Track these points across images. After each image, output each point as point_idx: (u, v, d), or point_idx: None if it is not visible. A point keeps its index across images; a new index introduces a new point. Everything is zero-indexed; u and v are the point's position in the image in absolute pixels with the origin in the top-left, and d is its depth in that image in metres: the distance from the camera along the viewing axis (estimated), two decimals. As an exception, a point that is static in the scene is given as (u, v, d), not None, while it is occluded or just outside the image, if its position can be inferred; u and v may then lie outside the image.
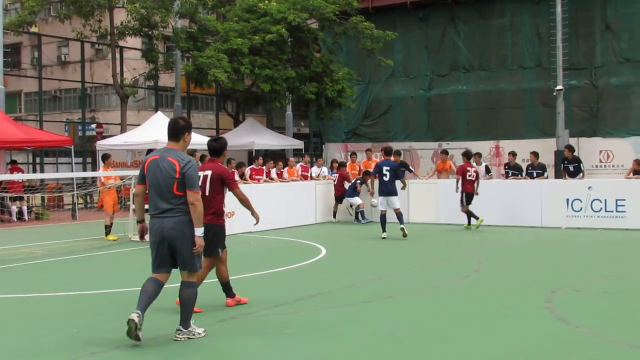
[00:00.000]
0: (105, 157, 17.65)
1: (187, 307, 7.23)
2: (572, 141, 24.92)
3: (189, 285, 7.24)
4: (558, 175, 21.81)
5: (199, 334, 7.29)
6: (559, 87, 25.71)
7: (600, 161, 27.23)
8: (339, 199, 20.62)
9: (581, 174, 18.93)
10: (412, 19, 31.67)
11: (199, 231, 7.02)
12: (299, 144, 29.70)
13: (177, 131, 7.35)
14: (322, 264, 12.71)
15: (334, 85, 27.35)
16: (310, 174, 21.90)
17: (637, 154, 22.32)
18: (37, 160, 29.02)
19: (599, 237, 16.00)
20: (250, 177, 19.63)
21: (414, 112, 31.67)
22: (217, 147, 9.15)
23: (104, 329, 7.77)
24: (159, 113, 25.59)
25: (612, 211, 17.39)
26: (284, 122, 33.32)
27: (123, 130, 27.61)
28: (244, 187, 18.27)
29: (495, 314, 8.24)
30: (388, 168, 15.99)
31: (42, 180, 25.52)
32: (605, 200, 17.49)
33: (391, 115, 32.43)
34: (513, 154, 20.21)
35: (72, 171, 24.43)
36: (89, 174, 24.02)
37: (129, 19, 27.06)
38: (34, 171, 28.72)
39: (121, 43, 29.22)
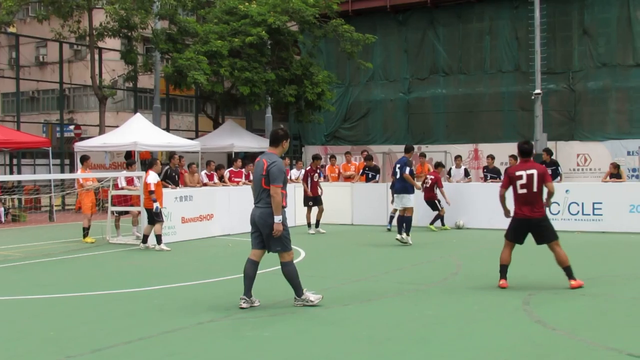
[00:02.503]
0: (84, 159, 17.54)
1: (292, 281, 8.76)
2: (550, 145, 25.12)
3: (285, 265, 8.76)
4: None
5: (311, 301, 8.73)
6: (537, 91, 25.90)
7: (578, 165, 27.49)
8: (314, 201, 18.93)
9: (559, 177, 19.04)
10: (391, 22, 31.80)
11: (277, 218, 8.44)
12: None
13: (277, 139, 8.82)
14: (300, 266, 12.57)
15: (314, 88, 27.36)
16: (290, 176, 21.85)
17: (613, 158, 22.55)
18: (15, 161, 28.78)
19: (576, 240, 16.10)
20: (230, 179, 19.58)
21: (394, 115, 31.78)
22: (529, 149, 10.69)
23: (82, 332, 7.73)
24: (138, 115, 25.46)
25: (589, 214, 17.54)
26: (264, 125, 33.29)
27: (101, 132, 27.45)
28: (222, 190, 18.37)
29: (473, 316, 8.28)
30: (399, 165, 15.85)
31: (19, 182, 25.31)
32: (583, 204, 17.64)
33: (370, 118, 32.52)
34: (492, 157, 20.34)
35: (50, 173, 24.24)
36: (67, 175, 23.84)
37: (108, 20, 26.91)
38: (11, 173, 28.49)
39: (100, 44, 29.04)
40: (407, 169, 15.48)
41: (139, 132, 23.23)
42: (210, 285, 10.79)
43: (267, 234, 8.61)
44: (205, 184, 18.73)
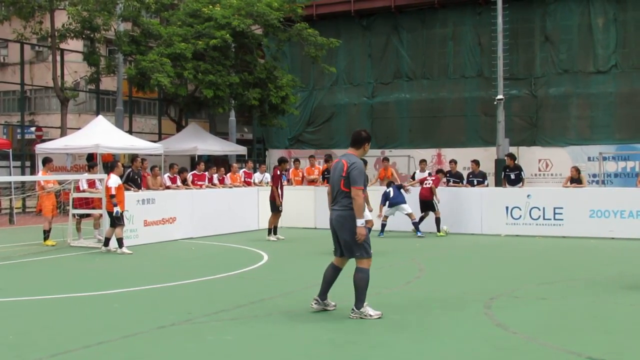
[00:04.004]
0: (46, 161, 17.28)
1: (359, 290, 8.33)
2: (512, 150, 25.37)
3: (361, 271, 8.36)
4: (498, 183, 22.14)
5: (370, 315, 8.27)
6: (500, 96, 26.15)
7: (539, 170, 27.80)
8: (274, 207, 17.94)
9: (521, 182, 19.23)
10: (356, 27, 31.88)
11: (360, 222, 8.14)
12: (242, 150, 29.58)
13: (360, 140, 8.55)
14: (263, 270, 12.66)
15: (278, 92, 27.34)
16: (253, 180, 21.82)
17: (574, 163, 22.81)
18: (-26, 163, 28.30)
19: (538, 245, 16.27)
20: (192, 182, 19.47)
21: (357, 119, 31.83)
22: None
23: (41, 336, 7.62)
24: (100, 117, 25.20)
25: (550, 219, 17.73)
26: (227, 128, 33.17)
27: (63, 134, 27.11)
28: (184, 193, 18.25)
29: (435, 320, 8.30)
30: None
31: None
32: (544, 208, 17.83)
33: (334, 122, 32.57)
34: (454, 162, 20.47)
35: (11, 175, 23.87)
36: (28, 177, 23.53)
37: (70, 22, 26.60)
38: (-30, 175, 27.99)
39: (62, 45, 28.69)
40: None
41: (102, 134, 22.98)
42: (172, 288, 10.69)
43: (344, 238, 8.35)
44: (168, 187, 18.60)
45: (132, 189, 17.08)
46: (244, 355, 6.85)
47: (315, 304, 8.65)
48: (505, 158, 21.10)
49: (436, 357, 6.79)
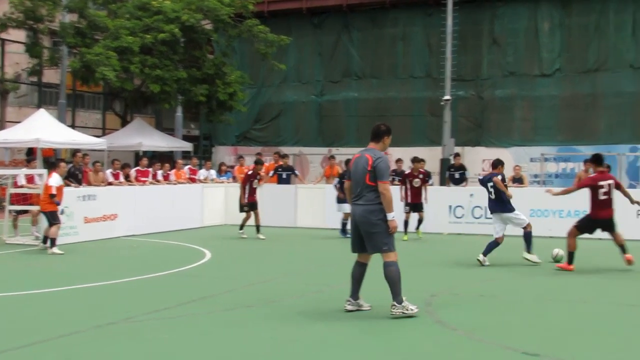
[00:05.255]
0: (-17, 155, 16.85)
1: (394, 284, 8.19)
2: (457, 150, 25.63)
3: (390, 265, 8.22)
4: (443, 182, 22.35)
5: (412, 310, 8.13)
6: (447, 97, 26.37)
7: (484, 170, 28.03)
8: (251, 206, 17.79)
9: (465, 181, 19.43)
10: (306, 24, 31.85)
11: (391, 215, 8.13)
12: (188, 146, 29.29)
13: (379, 134, 8.50)
14: (206, 267, 12.55)
15: (226, 88, 27.12)
16: (199, 176, 21.62)
17: (517, 163, 23.08)
18: None
19: (479, 243, 16.40)
20: (136, 179, 19.20)
21: (305, 117, 31.83)
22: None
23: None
24: (42, 110, 24.60)
25: (491, 218, 17.87)
26: (174, 124, 32.80)
27: (2, 127, 26.49)
28: (127, 189, 17.99)
29: (376, 316, 8.30)
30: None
31: None
32: (486, 207, 17.99)
33: (282, 119, 32.49)
34: (401, 161, 20.57)
35: (-54, 169, 23.22)
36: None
37: (12, 11, 25.97)
38: None
39: (3, 35, 28.00)
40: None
41: (43, 128, 22.43)
42: (112, 287, 10.52)
43: (368, 232, 8.23)
44: (110, 183, 18.31)
45: (73, 184, 16.77)
46: (182, 354, 6.74)
47: (349, 305, 8.50)
48: (452, 157, 21.32)
49: (377, 353, 6.79)
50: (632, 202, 12.57)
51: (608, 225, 12.36)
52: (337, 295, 9.76)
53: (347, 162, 17.53)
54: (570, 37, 28.21)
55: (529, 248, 13.20)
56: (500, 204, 13.33)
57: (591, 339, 7.51)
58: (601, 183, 12.16)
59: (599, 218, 12.24)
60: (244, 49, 31.42)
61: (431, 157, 25.25)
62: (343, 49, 31.51)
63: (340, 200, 17.17)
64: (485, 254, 13.12)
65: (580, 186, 12.74)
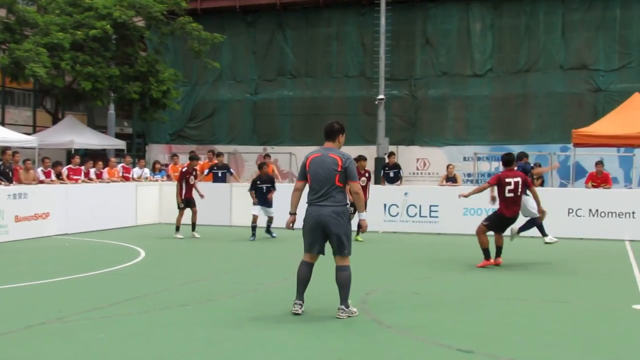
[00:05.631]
0: None
1: (346, 288, 8.18)
2: (392, 149, 25.81)
3: (346, 269, 8.18)
4: (377, 181, 22.54)
5: (354, 312, 8.22)
6: (381, 96, 26.57)
7: (417, 169, 28.49)
8: (188, 204, 17.46)
9: (399, 180, 19.64)
10: (240, 22, 31.73)
11: (364, 215, 8.40)
12: (121, 144, 28.86)
13: (333, 132, 8.41)
14: (140, 266, 12.40)
15: (159, 86, 26.80)
16: (132, 175, 21.34)
17: (450, 162, 23.46)
18: None
19: (414, 241, 16.66)
20: (68, 177, 18.85)
21: (240, 115, 31.72)
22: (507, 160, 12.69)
23: None
24: (-31, 107, 24.04)
25: (426, 216, 18.23)
26: (106, 121, 32.27)
27: None
28: (59, 187, 17.66)
29: (311, 315, 8.32)
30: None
31: None
32: (420, 206, 18.30)
33: (216, 118, 32.30)
34: None
35: None
36: None
37: (-64, 5, 25.19)
38: None
39: None
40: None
41: (-30, 126, 21.89)
42: (43, 286, 10.31)
43: (337, 234, 8.07)
44: (41, 182, 17.94)
45: (3, 183, 16.39)
46: (116, 353, 6.65)
47: (299, 308, 8.28)
48: (387, 156, 21.50)
49: (312, 351, 6.82)
50: (539, 206, 12.88)
51: (510, 223, 12.77)
52: (272, 294, 9.79)
53: (261, 166, 17.45)
54: (501, 38, 28.77)
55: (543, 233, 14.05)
56: None
57: (524, 335, 7.66)
58: (508, 180, 12.44)
59: (505, 215, 12.53)
60: (177, 47, 31.14)
61: (366, 156, 25.34)
62: (277, 48, 31.51)
63: (256, 203, 16.91)
64: (543, 234, 14.03)
65: (488, 184, 12.93)
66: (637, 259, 13.43)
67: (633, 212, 17.19)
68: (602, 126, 20.48)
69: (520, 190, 12.46)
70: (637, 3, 27.25)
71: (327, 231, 8.11)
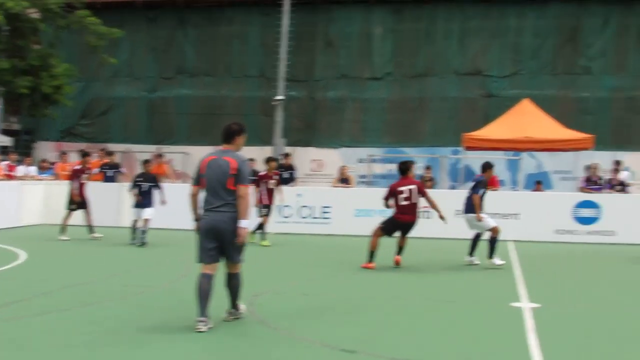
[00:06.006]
0: None
1: (238, 293, 8.08)
2: (288, 150, 25.84)
3: (237, 276, 7.99)
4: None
5: (243, 309, 8.24)
6: (280, 97, 26.57)
7: (313, 170, 28.60)
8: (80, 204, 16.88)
9: (294, 181, 19.68)
10: (141, 18, 31.08)
11: (245, 223, 7.67)
12: (7, 141, 27.70)
13: (230, 134, 8.01)
14: (19, 270, 11.94)
15: (52, 81, 25.97)
16: (17, 173, 20.56)
17: (345, 164, 23.64)
18: None
19: (305, 242, 16.72)
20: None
21: (135, 113, 31.04)
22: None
23: None
24: None
25: (318, 217, 18.34)
26: (-7, 117, 31.02)
27: None
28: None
29: (190, 319, 8.19)
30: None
31: None
32: (313, 207, 18.40)
33: (111, 115, 31.49)
34: (252, 161, 20.49)
35: None
36: None
37: None
38: None
39: None
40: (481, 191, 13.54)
41: None
42: None
43: (231, 242, 7.67)
44: None
45: None
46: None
47: (203, 325, 7.58)
48: (282, 157, 21.52)
49: (194, 354, 6.77)
50: (436, 210, 13.13)
51: (408, 228, 13.02)
52: (157, 298, 9.63)
53: (145, 162, 16.70)
54: (401, 42, 29.19)
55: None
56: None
57: (407, 334, 7.80)
58: (401, 189, 12.81)
59: (400, 221, 12.88)
60: (73, 41, 30.20)
61: (262, 156, 25.20)
62: (178, 46, 31.04)
63: (138, 205, 15.93)
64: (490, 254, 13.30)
65: (385, 197, 13.13)
66: (519, 259, 13.87)
67: (518, 214, 17.79)
68: (492, 130, 21.15)
69: (415, 196, 12.79)
70: (531, 12, 28.20)
71: (221, 238, 7.69)
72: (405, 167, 13.15)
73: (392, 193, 12.90)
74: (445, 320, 8.55)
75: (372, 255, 12.82)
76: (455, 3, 28.53)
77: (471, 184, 13.88)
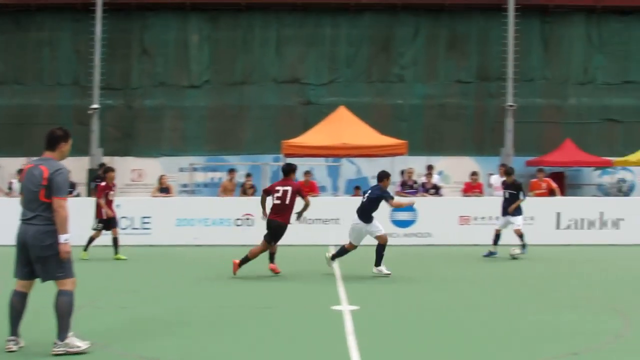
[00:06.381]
0: None
1: (63, 317, 7.13)
2: (106, 160, 25.19)
3: (65, 294, 7.17)
4: (89, 193, 21.87)
5: (78, 347, 7.14)
6: (95, 105, 25.87)
7: (133, 180, 27.96)
8: None
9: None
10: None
11: (64, 237, 7.01)
12: None
13: (54, 141, 7.31)
14: None
15: None
16: None
17: (167, 173, 23.29)
18: None
19: (126, 254, 16.30)
20: None
21: None
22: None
23: None
24: None
25: (138, 228, 18.01)
26: None
27: None
28: None
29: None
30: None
31: None
32: (133, 218, 18.03)
33: None
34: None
35: None
36: None
37: None
38: None
39: None
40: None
41: None
42: None
43: (42, 258, 7.01)
44: None
45: None
46: None
47: (13, 344, 7.18)
48: (99, 168, 20.85)
49: None
50: (304, 209, 13.26)
51: (277, 230, 12.80)
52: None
53: (20, 172, 16.01)
54: (218, 50, 29.17)
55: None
56: None
57: (226, 342, 7.87)
58: (277, 188, 12.94)
59: (270, 221, 12.83)
60: None
61: (78, 167, 24.40)
62: (-17, 52, 29.33)
63: None
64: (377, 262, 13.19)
65: (262, 195, 13.23)
66: (339, 263, 14.21)
67: (338, 218, 18.26)
68: (310, 137, 21.64)
69: (289, 198, 12.76)
70: (345, 22, 29.06)
71: (26, 252, 7.13)
72: (288, 169, 13.30)
73: (268, 192, 12.97)
74: (263, 326, 8.70)
75: (245, 260, 12.71)
76: (272, 11, 28.91)
77: (373, 194, 13.49)
